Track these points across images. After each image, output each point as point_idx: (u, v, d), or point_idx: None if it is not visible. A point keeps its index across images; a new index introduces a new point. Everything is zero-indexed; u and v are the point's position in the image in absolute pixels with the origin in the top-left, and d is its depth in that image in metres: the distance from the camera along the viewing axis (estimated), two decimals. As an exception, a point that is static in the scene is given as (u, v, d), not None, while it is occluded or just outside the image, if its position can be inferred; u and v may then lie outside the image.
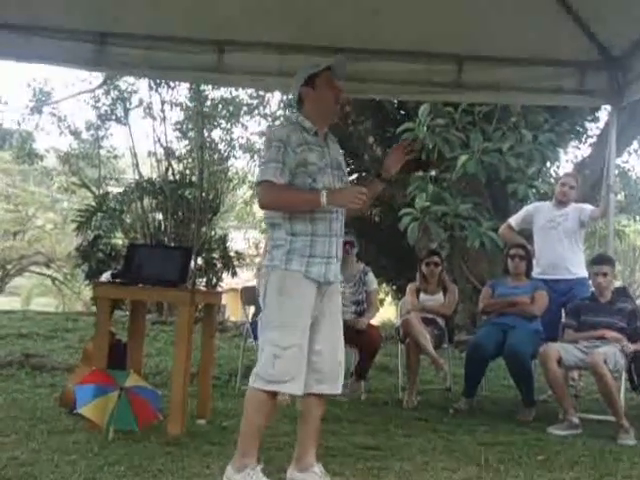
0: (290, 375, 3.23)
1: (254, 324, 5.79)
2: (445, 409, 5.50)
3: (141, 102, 15.12)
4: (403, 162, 3.61)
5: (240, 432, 3.36)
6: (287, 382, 3.23)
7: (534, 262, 6.03)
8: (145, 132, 33.27)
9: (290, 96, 12.86)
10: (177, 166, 14.80)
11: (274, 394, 3.30)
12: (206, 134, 14.79)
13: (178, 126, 14.97)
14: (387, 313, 14.11)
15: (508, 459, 4.04)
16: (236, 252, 15.46)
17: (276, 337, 3.26)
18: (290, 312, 3.28)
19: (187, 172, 14.83)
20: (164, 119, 14.72)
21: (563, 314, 5.74)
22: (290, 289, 3.29)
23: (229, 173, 16.15)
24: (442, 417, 5.23)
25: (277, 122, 13.48)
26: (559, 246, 6.03)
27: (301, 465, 3.43)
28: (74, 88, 16.72)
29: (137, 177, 14.80)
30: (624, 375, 5.10)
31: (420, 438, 4.50)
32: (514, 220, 6.48)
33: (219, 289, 12.87)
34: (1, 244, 23.41)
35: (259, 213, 19.92)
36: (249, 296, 6.12)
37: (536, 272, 6.02)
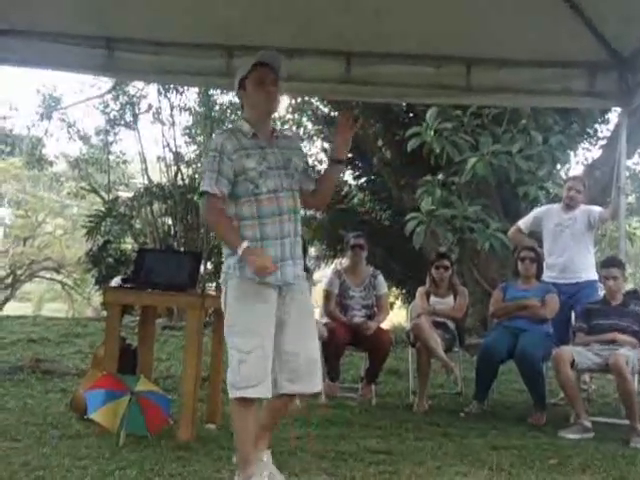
0: (257, 379, 3.26)
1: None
2: (456, 413, 5.48)
3: (150, 107, 15.14)
4: (350, 139, 3.56)
5: (235, 444, 3.41)
6: (254, 386, 3.26)
7: (544, 265, 6.01)
8: (154, 137, 33.32)
9: (299, 99, 12.92)
10: (186, 171, 14.80)
11: (251, 399, 3.31)
12: (215, 139, 14.77)
13: (187, 131, 14.99)
14: (397, 317, 14.08)
15: (520, 463, 4.03)
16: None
17: (238, 343, 3.30)
18: (249, 317, 3.31)
19: (196, 177, 14.83)
20: (173, 124, 14.73)
21: (573, 317, 5.72)
22: (247, 295, 3.33)
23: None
24: (453, 421, 5.21)
25: (286, 126, 13.49)
26: (569, 249, 6.02)
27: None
28: (83, 94, 16.78)
29: (146, 182, 14.82)
30: (636, 377, 5.07)
31: (431, 442, 4.49)
32: (523, 223, 6.46)
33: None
34: (11, 250, 23.50)
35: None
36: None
37: (546, 275, 6.00)
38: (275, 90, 3.45)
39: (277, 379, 3.36)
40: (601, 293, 5.71)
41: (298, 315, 3.42)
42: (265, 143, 3.43)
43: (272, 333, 3.33)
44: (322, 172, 3.81)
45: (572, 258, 6.01)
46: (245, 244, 3.24)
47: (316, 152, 14.70)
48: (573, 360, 5.00)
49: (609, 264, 5.49)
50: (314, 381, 3.43)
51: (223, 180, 3.31)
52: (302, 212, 11.89)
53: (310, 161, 14.04)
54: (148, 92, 14.98)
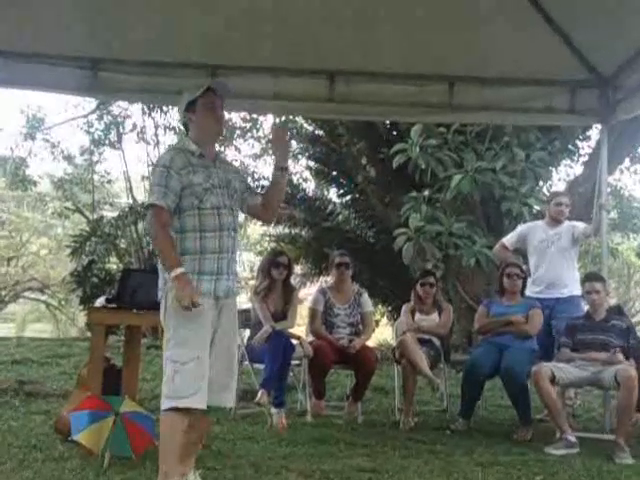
0: (192, 389, 3.34)
1: (249, 347, 5.79)
2: (442, 430, 5.48)
3: (134, 127, 15.18)
4: (286, 143, 3.88)
5: (159, 455, 3.44)
6: (189, 397, 3.33)
7: (529, 281, 6.05)
8: (138, 156, 33.28)
9: (283, 118, 12.96)
10: (171, 190, 14.79)
11: (186, 411, 3.35)
12: (199, 157, 14.78)
13: (172, 150, 14.98)
14: (383, 334, 14.07)
15: (507, 479, 4.03)
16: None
17: (174, 354, 3.39)
18: (185, 329, 3.40)
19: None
20: (157, 143, 14.76)
21: (554, 332, 5.76)
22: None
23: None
24: (439, 438, 5.20)
25: (270, 145, 13.51)
26: (554, 264, 6.06)
27: (179, 470, 3.49)
28: (67, 114, 16.77)
29: (131, 201, 14.81)
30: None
31: (418, 459, 4.48)
32: (507, 240, 6.50)
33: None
34: (-5, 270, 23.32)
35: (253, 235, 19.94)
36: (243, 319, 6.10)
37: (532, 291, 6.04)
38: (223, 115, 3.70)
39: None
40: (584, 308, 5.75)
41: (223, 329, 3.55)
42: (210, 163, 3.61)
43: (208, 346, 3.44)
44: (269, 183, 4.04)
45: (559, 273, 6.05)
46: (180, 270, 3.35)
47: (300, 170, 14.76)
48: (554, 376, 5.02)
49: (592, 278, 5.54)
50: (228, 395, 3.55)
51: (170, 195, 3.45)
52: (287, 231, 11.87)
53: (295, 179, 14.10)
54: (132, 112, 15.01)
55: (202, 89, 3.59)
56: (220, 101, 3.65)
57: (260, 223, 15.53)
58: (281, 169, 3.75)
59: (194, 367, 3.34)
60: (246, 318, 5.92)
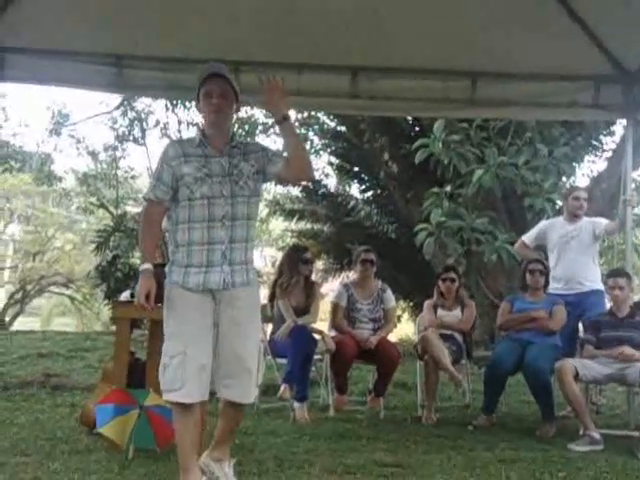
0: (178, 383, 3.35)
1: (271, 342, 5.82)
2: (464, 426, 5.47)
3: (158, 123, 15.26)
4: (281, 98, 3.55)
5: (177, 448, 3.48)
6: (176, 390, 3.36)
7: (550, 277, 6.02)
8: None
9: (305, 114, 12.96)
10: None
11: (185, 404, 3.38)
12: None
13: (194, 145, 15.06)
14: (405, 330, 14.06)
15: (529, 476, 4.03)
16: (253, 269, 15.46)
17: (165, 347, 3.42)
18: (174, 322, 3.42)
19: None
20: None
21: (580, 328, 5.72)
22: (173, 300, 3.44)
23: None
24: (462, 434, 5.20)
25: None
26: (574, 260, 6.02)
27: (215, 454, 3.57)
28: (92, 110, 16.91)
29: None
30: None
31: (440, 455, 4.48)
32: (528, 238, 6.48)
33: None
34: (21, 265, 23.59)
35: (275, 230, 20.00)
36: (265, 314, 6.13)
37: (552, 287, 6.01)
38: (219, 102, 3.52)
39: (217, 384, 3.46)
40: (608, 304, 5.72)
41: (231, 322, 3.47)
42: (213, 152, 3.52)
43: (203, 340, 3.41)
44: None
45: (578, 269, 6.02)
46: (146, 266, 3.40)
47: (322, 166, 14.76)
48: (577, 372, 5.00)
49: (616, 274, 5.51)
50: (247, 391, 3.50)
51: (161, 187, 3.49)
52: (309, 226, 11.81)
53: (317, 175, 14.07)
54: (155, 108, 15.10)
55: (202, 77, 3.55)
56: (220, 89, 3.51)
57: (282, 218, 15.60)
58: (282, 119, 3.54)
59: (179, 362, 3.34)
60: (262, 313, 5.94)
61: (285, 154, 3.63)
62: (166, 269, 3.50)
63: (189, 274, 3.42)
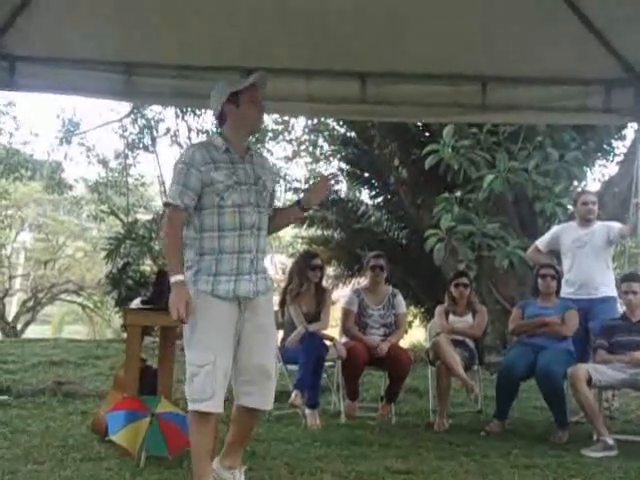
0: (207, 393, 3.32)
1: (283, 348, 5.81)
2: (477, 432, 5.45)
3: (168, 130, 15.30)
4: (325, 196, 3.74)
5: (192, 456, 3.47)
6: (206, 400, 3.33)
7: (563, 282, 5.99)
8: (172, 159, 33.48)
9: (315, 121, 12.97)
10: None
11: (207, 413, 3.36)
12: (232, 160, 14.87)
13: (204, 153, 15.08)
14: (416, 335, 14.02)
15: (543, 482, 4.00)
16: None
17: (192, 357, 3.38)
18: (202, 331, 3.37)
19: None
20: (191, 146, 14.83)
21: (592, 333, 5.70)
22: (201, 309, 3.37)
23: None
24: (474, 440, 5.18)
25: (302, 147, 13.55)
26: (587, 265, 6.00)
27: (226, 462, 3.55)
28: (102, 118, 16.97)
29: (165, 204, 14.89)
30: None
31: (452, 461, 4.46)
32: (541, 243, 6.47)
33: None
34: (32, 273, 23.67)
35: (286, 237, 19.98)
36: (275, 320, 6.11)
37: (565, 292, 5.98)
38: (264, 107, 3.63)
39: (237, 391, 3.46)
40: (620, 310, 5.68)
41: (255, 330, 3.47)
42: (237, 158, 3.51)
43: (228, 347, 3.39)
44: (283, 207, 4.02)
45: (591, 274, 5.99)
46: (179, 277, 3.34)
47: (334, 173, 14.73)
48: (590, 377, 4.96)
49: (629, 278, 5.48)
50: (267, 398, 3.50)
51: (189, 193, 3.40)
52: (319, 233, 11.81)
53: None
54: (165, 115, 15.13)
55: (248, 82, 3.54)
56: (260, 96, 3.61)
57: (292, 225, 15.63)
58: (304, 209, 3.72)
59: (208, 371, 3.31)
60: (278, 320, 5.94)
61: (276, 210, 3.73)
62: (186, 275, 3.41)
63: (219, 282, 3.39)
